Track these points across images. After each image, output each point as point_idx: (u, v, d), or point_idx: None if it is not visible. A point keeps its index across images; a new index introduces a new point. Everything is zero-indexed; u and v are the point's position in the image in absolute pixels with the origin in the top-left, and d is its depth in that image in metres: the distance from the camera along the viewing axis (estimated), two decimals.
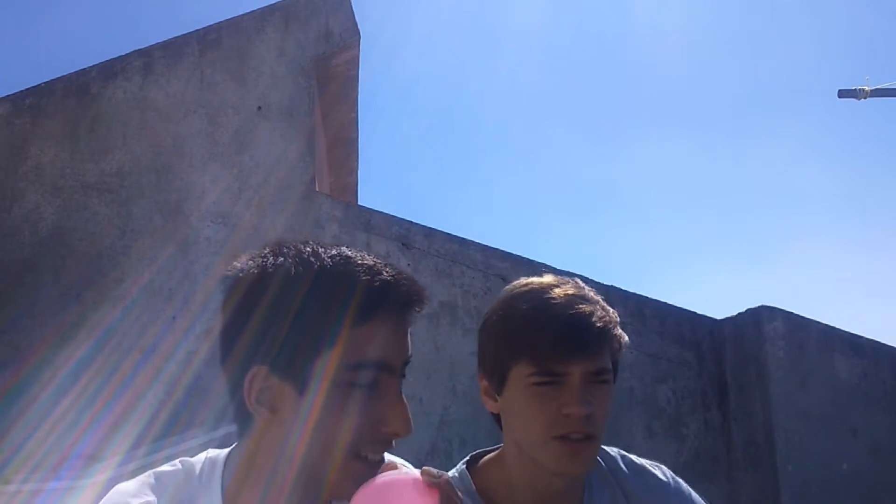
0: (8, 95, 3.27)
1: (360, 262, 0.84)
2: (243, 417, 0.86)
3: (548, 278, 1.12)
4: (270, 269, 0.83)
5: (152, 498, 0.86)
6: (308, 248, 0.85)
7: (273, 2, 3.68)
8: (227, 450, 0.91)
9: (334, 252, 0.85)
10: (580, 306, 1.05)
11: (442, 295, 3.41)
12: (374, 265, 0.84)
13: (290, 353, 0.81)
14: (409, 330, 0.87)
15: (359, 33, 3.77)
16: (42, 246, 3.07)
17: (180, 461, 0.92)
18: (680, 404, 3.68)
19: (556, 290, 1.07)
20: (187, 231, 3.20)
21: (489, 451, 1.21)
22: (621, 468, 1.19)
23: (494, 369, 1.10)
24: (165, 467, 0.91)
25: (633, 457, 1.22)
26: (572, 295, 1.07)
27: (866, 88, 11.49)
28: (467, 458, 1.21)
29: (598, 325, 1.04)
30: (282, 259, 0.84)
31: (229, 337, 0.85)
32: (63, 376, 2.82)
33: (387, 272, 0.84)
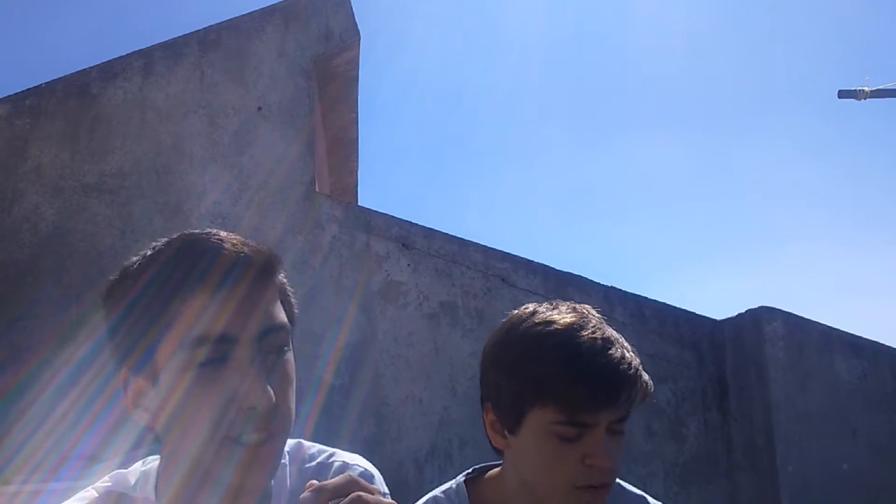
0: (8, 96, 3.27)
1: (198, 237, 0.80)
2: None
3: (566, 315, 1.05)
4: (122, 270, 0.82)
5: None
6: (165, 238, 0.82)
7: (273, 2, 3.68)
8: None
9: (179, 234, 0.81)
10: (611, 352, 1.00)
11: (442, 295, 3.41)
12: (208, 237, 0.79)
13: (135, 346, 0.78)
14: (263, 296, 0.80)
15: (359, 33, 3.77)
16: (42, 246, 3.07)
17: (114, 475, 0.89)
18: (680, 405, 3.67)
19: (584, 333, 1.01)
20: None
21: (492, 466, 1.17)
22: None
23: (510, 408, 1.04)
24: (100, 482, 0.88)
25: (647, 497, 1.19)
26: (601, 339, 1.01)
27: (866, 89, 11.45)
28: (469, 470, 1.18)
29: (630, 372, 1.00)
30: (136, 258, 0.82)
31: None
32: (63, 377, 2.81)
33: (214, 240, 0.79)
